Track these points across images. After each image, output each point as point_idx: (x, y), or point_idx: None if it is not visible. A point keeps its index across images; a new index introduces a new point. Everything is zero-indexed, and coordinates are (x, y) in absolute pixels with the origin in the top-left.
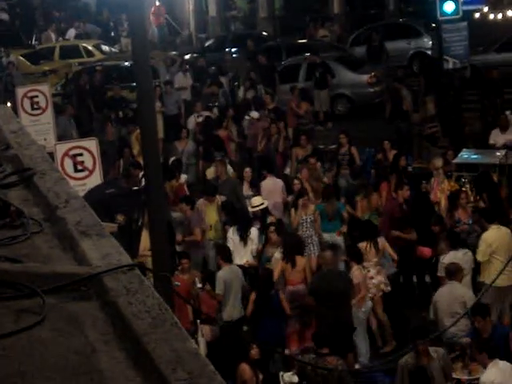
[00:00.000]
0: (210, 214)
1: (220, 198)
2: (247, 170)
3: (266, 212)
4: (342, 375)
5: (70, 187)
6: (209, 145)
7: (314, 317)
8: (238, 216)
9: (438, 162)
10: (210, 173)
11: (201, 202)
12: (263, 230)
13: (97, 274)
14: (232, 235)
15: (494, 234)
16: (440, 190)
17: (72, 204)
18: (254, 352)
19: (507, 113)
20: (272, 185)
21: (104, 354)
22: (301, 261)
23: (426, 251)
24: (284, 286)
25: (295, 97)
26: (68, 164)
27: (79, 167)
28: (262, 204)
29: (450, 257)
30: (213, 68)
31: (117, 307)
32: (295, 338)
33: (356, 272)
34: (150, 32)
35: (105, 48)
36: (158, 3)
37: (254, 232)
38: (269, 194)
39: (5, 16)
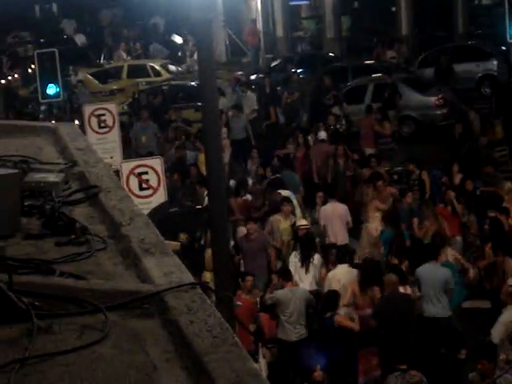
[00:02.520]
0: (284, 231)
1: (292, 218)
2: (320, 194)
3: (312, 235)
4: None
5: (135, 205)
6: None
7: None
8: (301, 241)
9: (509, 185)
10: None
11: (275, 218)
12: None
13: (159, 292)
14: (294, 258)
15: None
16: None
17: (136, 222)
18: (317, 374)
19: None
20: (331, 210)
21: (165, 371)
22: (373, 290)
23: None
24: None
25: (372, 116)
26: (133, 182)
27: (144, 185)
28: (305, 226)
29: None
30: (278, 88)
31: (178, 326)
32: (364, 365)
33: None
34: (217, 52)
35: (172, 68)
36: (251, 23)
37: (317, 258)
38: (326, 219)
39: (82, 38)
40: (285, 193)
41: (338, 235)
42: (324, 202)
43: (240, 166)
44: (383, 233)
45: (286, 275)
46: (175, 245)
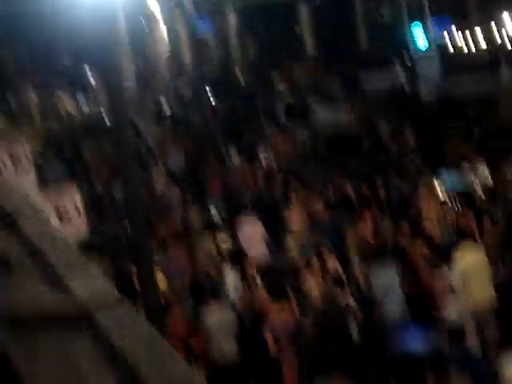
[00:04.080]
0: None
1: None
2: (235, 219)
3: (238, 253)
4: None
5: (54, 228)
6: None
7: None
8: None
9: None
10: None
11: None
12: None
13: (86, 311)
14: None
15: None
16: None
17: (57, 243)
18: None
19: None
20: (248, 228)
21: None
22: (285, 300)
23: None
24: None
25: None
26: (52, 214)
27: (63, 217)
28: (228, 244)
29: (445, 272)
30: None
31: (109, 341)
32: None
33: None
34: (126, 86)
35: (84, 108)
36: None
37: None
38: (246, 238)
39: None
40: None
41: (257, 251)
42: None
43: None
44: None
45: (215, 294)
46: (99, 263)
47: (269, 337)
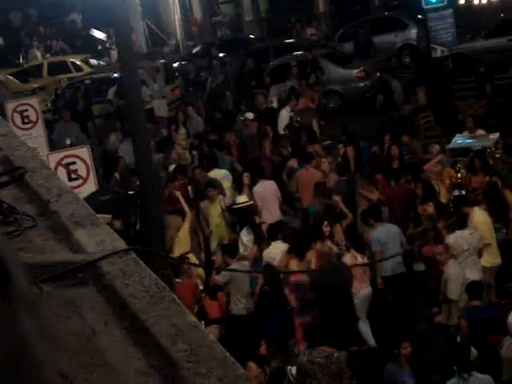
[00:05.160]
0: (214, 215)
1: (224, 199)
2: (246, 175)
3: (252, 210)
4: (339, 362)
5: (62, 182)
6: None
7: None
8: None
9: (436, 148)
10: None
11: (204, 203)
12: (253, 229)
13: (92, 261)
14: (245, 236)
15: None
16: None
17: (64, 197)
18: (262, 349)
19: None
20: (263, 189)
21: (104, 334)
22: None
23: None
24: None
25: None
26: (62, 174)
27: (73, 176)
28: (246, 202)
29: (455, 236)
30: (201, 74)
31: (113, 289)
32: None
33: (348, 259)
34: (136, 43)
35: (93, 62)
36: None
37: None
38: (260, 198)
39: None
40: (220, 173)
41: (272, 212)
42: (253, 183)
43: None
44: (310, 206)
45: (232, 252)
46: (107, 218)
47: (287, 292)
